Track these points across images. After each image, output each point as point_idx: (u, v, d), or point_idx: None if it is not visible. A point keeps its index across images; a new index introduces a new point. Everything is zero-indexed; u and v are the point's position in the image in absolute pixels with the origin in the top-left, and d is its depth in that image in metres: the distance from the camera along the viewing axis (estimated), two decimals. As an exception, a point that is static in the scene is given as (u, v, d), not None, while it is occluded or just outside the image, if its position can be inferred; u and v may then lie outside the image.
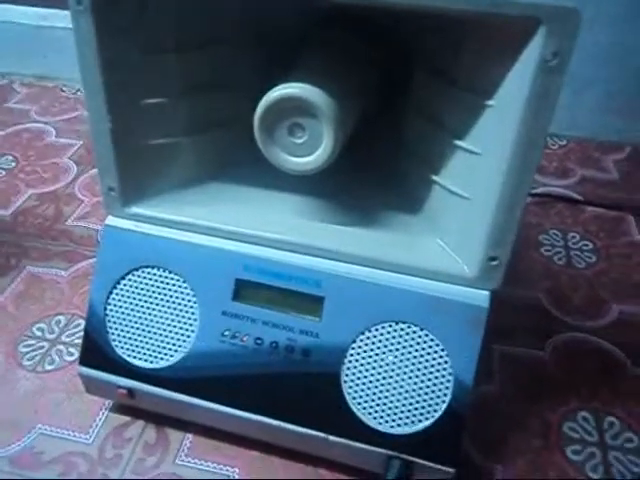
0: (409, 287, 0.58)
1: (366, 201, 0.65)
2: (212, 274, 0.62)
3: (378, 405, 0.56)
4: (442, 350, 0.56)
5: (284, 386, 0.58)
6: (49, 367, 0.72)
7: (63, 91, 1.33)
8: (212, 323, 0.60)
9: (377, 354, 0.59)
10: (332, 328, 0.60)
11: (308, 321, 0.58)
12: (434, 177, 0.58)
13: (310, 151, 0.51)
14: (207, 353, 0.61)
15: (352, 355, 0.59)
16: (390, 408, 0.56)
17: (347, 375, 0.59)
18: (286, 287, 0.60)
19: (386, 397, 0.56)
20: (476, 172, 0.51)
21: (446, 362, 0.55)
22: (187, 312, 0.61)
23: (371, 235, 0.59)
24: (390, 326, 0.59)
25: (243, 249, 0.60)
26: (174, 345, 0.61)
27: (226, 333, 0.60)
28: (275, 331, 0.59)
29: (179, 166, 0.63)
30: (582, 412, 0.68)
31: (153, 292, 0.62)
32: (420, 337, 0.57)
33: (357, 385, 0.59)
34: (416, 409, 0.57)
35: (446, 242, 0.58)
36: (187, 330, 0.61)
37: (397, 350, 0.58)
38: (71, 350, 0.75)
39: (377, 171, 0.71)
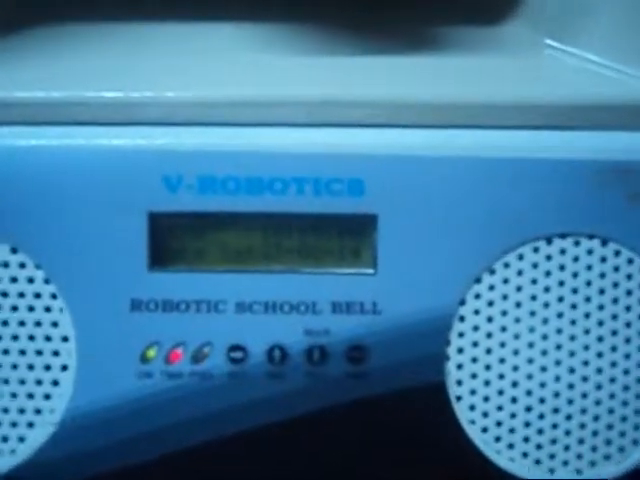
0: (570, 153, 0.25)
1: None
2: (96, 215, 0.24)
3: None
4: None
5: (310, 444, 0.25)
6: None
7: None
8: (107, 339, 0.26)
9: (520, 321, 0.25)
10: (410, 283, 0.25)
11: (345, 280, 0.26)
12: None
13: None
14: (109, 419, 0.24)
15: (463, 336, 0.25)
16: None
17: (460, 382, 0.25)
18: (280, 210, 0.24)
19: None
20: None
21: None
22: (50, 334, 0.24)
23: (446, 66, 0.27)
24: (537, 250, 0.25)
25: (167, 141, 0.25)
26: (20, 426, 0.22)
27: (149, 356, 0.26)
28: (270, 325, 0.26)
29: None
30: None
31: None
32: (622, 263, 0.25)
33: (481, 399, 0.25)
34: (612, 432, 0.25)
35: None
36: (53, 378, 0.24)
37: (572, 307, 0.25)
38: None
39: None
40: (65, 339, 0.25)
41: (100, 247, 0.25)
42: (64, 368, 0.25)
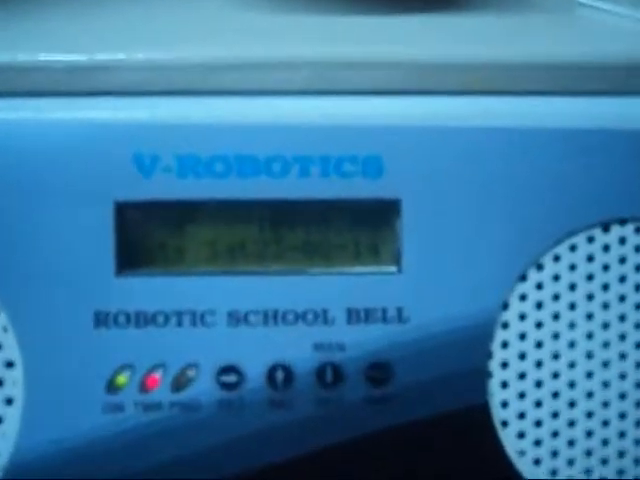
0: (627, 122, 0.21)
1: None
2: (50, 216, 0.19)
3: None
4: None
5: None
6: None
7: None
8: (64, 363, 0.21)
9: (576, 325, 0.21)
10: (441, 284, 0.20)
11: (362, 282, 0.21)
12: None
13: None
14: (68, 465, 0.20)
15: (507, 346, 0.21)
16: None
17: (506, 404, 0.20)
18: (280, 197, 0.19)
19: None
20: None
21: None
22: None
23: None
24: (592, 239, 0.20)
25: (139, 113, 0.21)
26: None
27: (119, 383, 0.21)
28: (271, 339, 0.21)
29: None
30: None
31: None
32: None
33: (532, 424, 0.21)
34: None
35: None
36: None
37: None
38: None
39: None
40: (9, 365, 0.20)
41: (55, 246, 0.20)
42: (8, 401, 0.20)
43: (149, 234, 0.21)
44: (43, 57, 0.21)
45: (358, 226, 0.21)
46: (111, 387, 0.20)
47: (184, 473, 0.21)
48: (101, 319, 0.20)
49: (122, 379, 0.20)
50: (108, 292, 0.20)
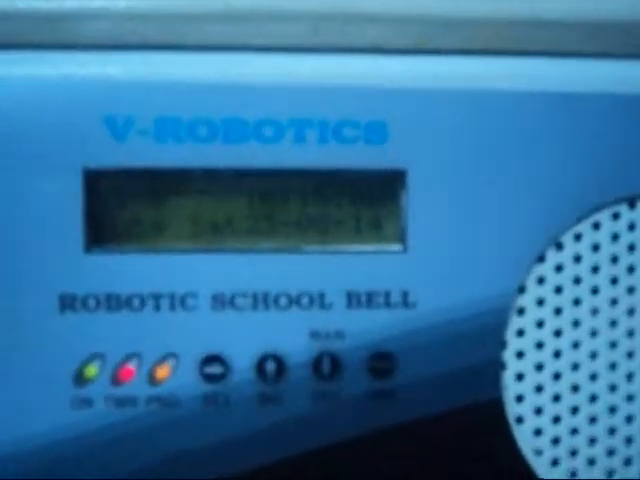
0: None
1: None
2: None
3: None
4: None
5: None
6: None
7: None
8: (26, 352, 0.18)
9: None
10: (450, 265, 0.18)
11: (363, 262, 0.19)
12: None
13: None
14: (32, 466, 0.18)
15: (523, 335, 0.18)
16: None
17: (521, 398, 0.18)
18: (272, 166, 0.17)
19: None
20: None
21: None
22: None
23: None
24: (618, 216, 0.18)
25: (111, 69, 0.18)
26: None
27: (89, 374, 0.18)
28: (261, 325, 0.19)
29: None
30: None
31: None
32: None
33: (550, 421, 0.19)
34: None
35: None
36: None
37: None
38: None
39: None
40: (-37, 354, 0.17)
41: (15, 219, 0.18)
42: (-38, 396, 0.18)
43: (123, 206, 0.18)
44: (1, 4, 0.18)
45: (359, 199, 0.19)
46: (79, 379, 0.18)
47: (162, 476, 0.18)
48: (68, 302, 0.18)
49: (92, 370, 0.18)
50: (76, 271, 0.18)
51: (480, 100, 0.19)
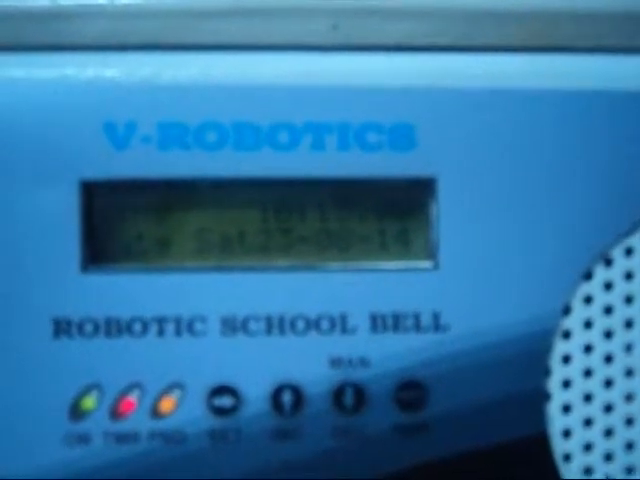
0: None
1: None
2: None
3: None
4: None
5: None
6: None
7: None
8: (17, 382, 0.17)
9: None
10: (486, 284, 0.16)
11: (390, 281, 0.17)
12: None
13: None
14: None
15: (570, 362, 0.17)
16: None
17: (568, 433, 0.16)
18: (287, 176, 0.16)
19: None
20: None
21: None
22: None
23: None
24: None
25: (113, 71, 0.17)
26: None
27: (86, 407, 0.17)
28: (276, 352, 0.17)
29: None
30: None
31: None
32: None
33: (601, 458, 0.17)
34: None
35: None
36: None
37: None
38: None
39: None
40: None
41: (6, 235, 0.16)
42: (-55, 432, 0.16)
43: (123, 221, 0.17)
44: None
45: (384, 211, 0.17)
46: (75, 412, 0.17)
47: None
48: (62, 327, 0.16)
49: (89, 402, 0.17)
50: (72, 293, 0.16)
51: (518, 100, 0.17)
